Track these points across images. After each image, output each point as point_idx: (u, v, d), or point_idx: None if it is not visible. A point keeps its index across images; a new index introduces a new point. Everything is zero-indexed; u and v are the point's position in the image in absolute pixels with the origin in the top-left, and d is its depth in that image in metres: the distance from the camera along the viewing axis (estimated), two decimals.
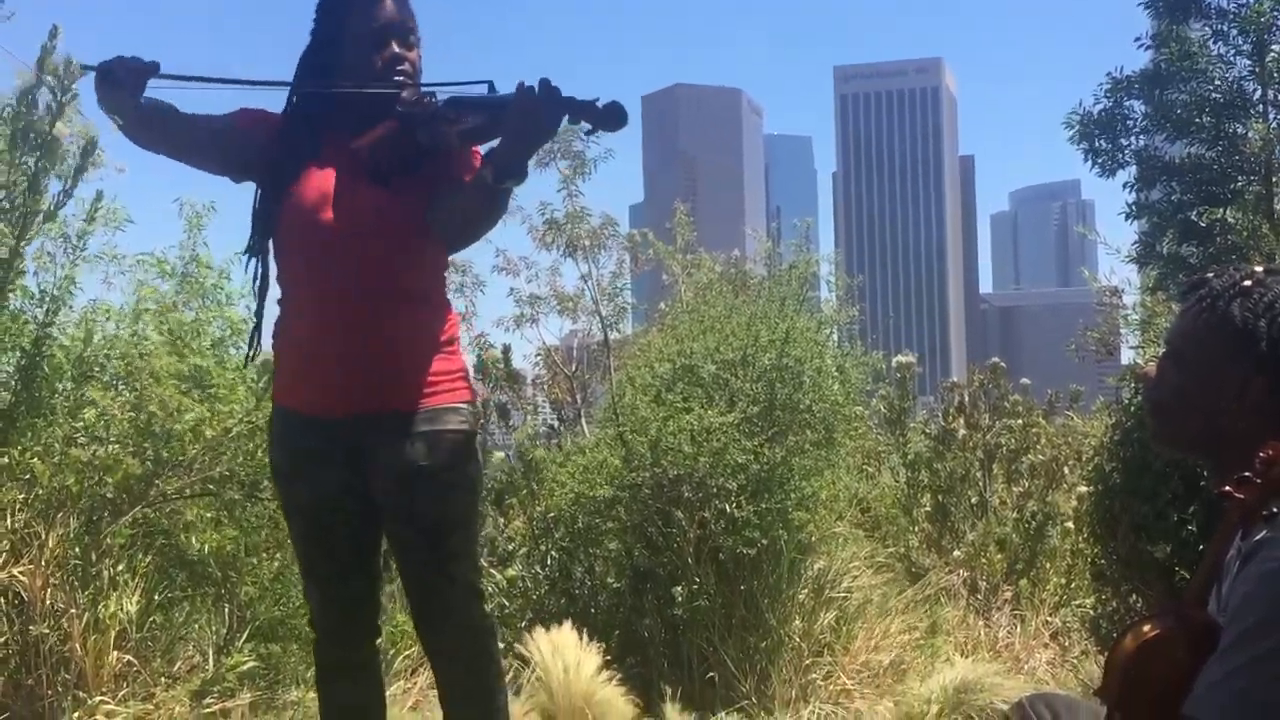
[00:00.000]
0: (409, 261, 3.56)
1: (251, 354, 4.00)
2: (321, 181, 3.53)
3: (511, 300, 9.55)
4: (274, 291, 3.68)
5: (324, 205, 3.49)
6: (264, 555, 6.59)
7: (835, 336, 9.29)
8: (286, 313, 3.64)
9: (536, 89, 3.27)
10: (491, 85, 3.48)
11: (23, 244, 5.53)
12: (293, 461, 3.65)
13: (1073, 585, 9.47)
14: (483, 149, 3.59)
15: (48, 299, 5.96)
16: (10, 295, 5.68)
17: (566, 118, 3.33)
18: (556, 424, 10.17)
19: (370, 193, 3.50)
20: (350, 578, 3.71)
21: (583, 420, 9.61)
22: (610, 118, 3.28)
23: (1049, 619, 9.20)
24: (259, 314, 3.78)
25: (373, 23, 3.58)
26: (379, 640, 3.87)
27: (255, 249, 3.65)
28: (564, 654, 6.03)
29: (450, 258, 3.82)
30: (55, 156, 5.57)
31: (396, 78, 3.57)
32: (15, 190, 5.52)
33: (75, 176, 5.73)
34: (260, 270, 3.67)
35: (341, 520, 3.62)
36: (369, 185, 3.51)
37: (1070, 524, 9.51)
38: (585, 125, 3.34)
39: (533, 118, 3.30)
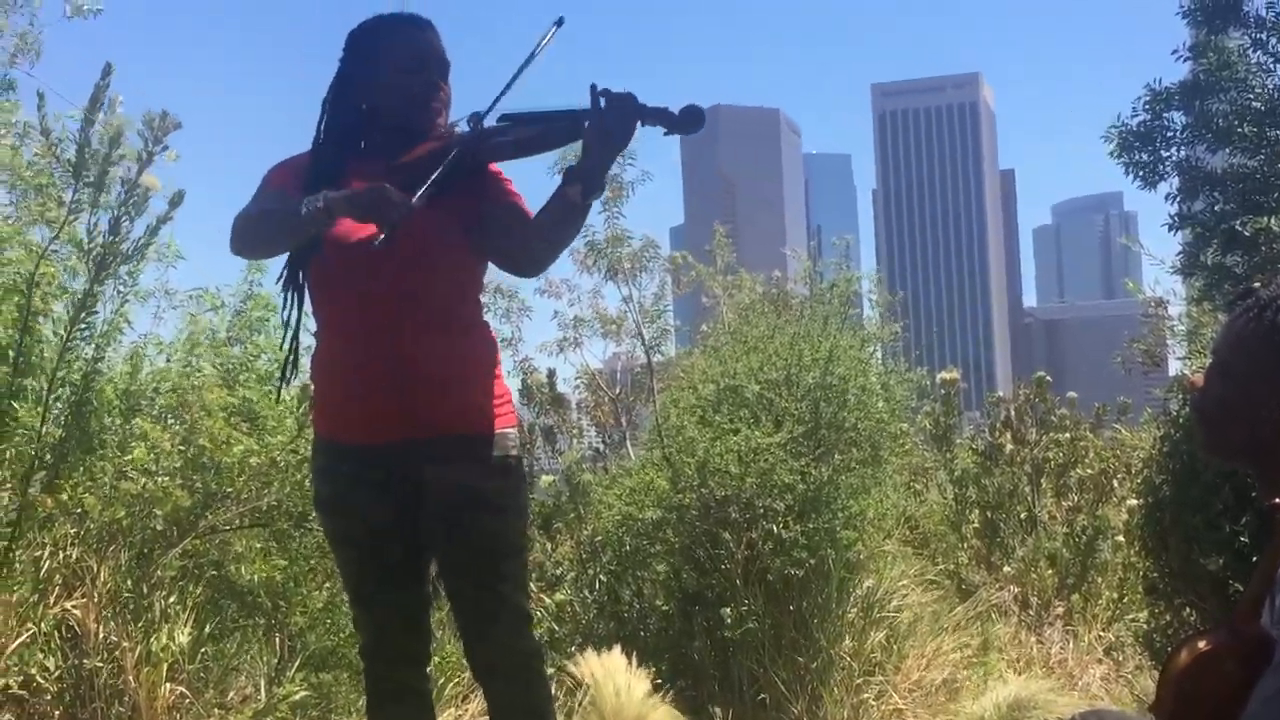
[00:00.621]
0: (452, 284, 3.56)
1: (285, 383, 4.01)
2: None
3: (555, 324, 9.57)
4: (308, 323, 3.68)
5: (361, 229, 3.47)
6: (313, 585, 6.61)
7: (879, 354, 9.28)
8: (328, 342, 3.63)
9: (606, 101, 3.28)
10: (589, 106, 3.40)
11: (98, 286, 5.59)
12: (339, 493, 3.64)
13: (1125, 600, 9.40)
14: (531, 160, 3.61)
15: (97, 335, 6.02)
16: (86, 333, 5.74)
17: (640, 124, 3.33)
18: (601, 447, 10.18)
19: (412, 215, 3.48)
20: (400, 605, 3.70)
21: (628, 443, 9.62)
22: (687, 122, 3.30)
23: (1102, 634, 9.14)
24: (294, 343, 3.77)
25: (410, 50, 3.60)
26: (429, 667, 3.88)
27: (289, 280, 3.65)
28: (615, 677, 6.02)
29: (495, 283, 3.82)
30: (141, 204, 5.64)
31: (433, 104, 3.59)
32: (95, 233, 5.59)
33: (159, 224, 5.79)
34: (294, 300, 3.66)
35: (390, 548, 3.61)
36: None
37: (1121, 538, 9.44)
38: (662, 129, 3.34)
39: (614, 130, 3.30)
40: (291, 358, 3.86)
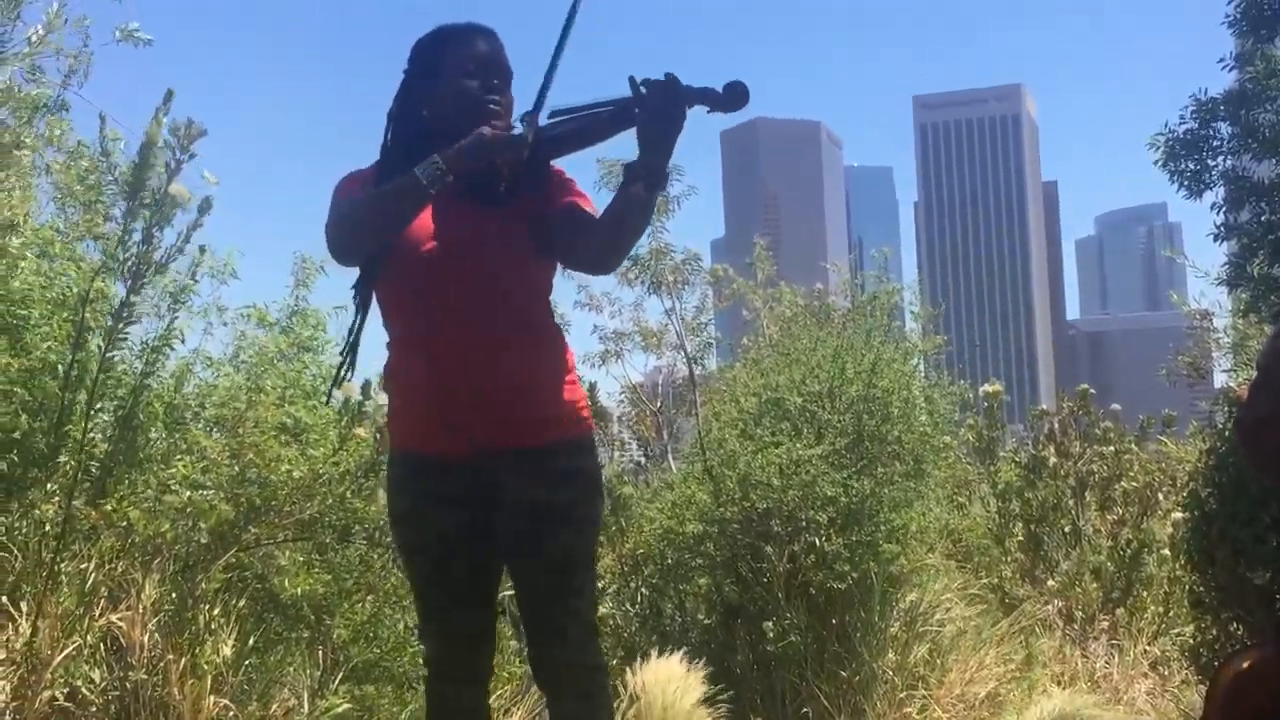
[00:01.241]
0: (526, 288, 3.55)
1: (338, 385, 3.99)
2: (433, 210, 3.50)
3: (595, 337, 9.58)
4: (375, 334, 3.68)
5: (437, 236, 3.48)
6: (356, 598, 6.63)
7: (921, 366, 9.26)
8: (403, 352, 3.60)
9: (647, 88, 3.27)
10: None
11: (134, 296, 5.62)
12: (416, 506, 3.61)
13: (1171, 613, 9.33)
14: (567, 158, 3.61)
15: (147, 350, 6.06)
16: (123, 345, 5.77)
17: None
18: (643, 460, 10.18)
19: (481, 218, 3.48)
20: (472, 618, 3.67)
21: (669, 456, 9.61)
22: (732, 99, 3.27)
23: (1148, 648, 9.07)
24: (353, 349, 3.75)
25: (469, 55, 3.60)
26: (490, 679, 3.86)
27: (362, 281, 3.62)
28: (666, 687, 6.02)
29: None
30: (168, 213, 5.68)
31: (491, 108, 3.56)
32: (130, 243, 5.63)
33: (189, 233, 5.83)
34: (360, 306, 3.65)
35: (465, 560, 3.59)
36: (480, 210, 3.49)
37: (1166, 551, 9.38)
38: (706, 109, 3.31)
39: (662, 117, 3.28)
40: (350, 359, 3.81)
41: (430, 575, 3.67)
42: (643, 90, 3.28)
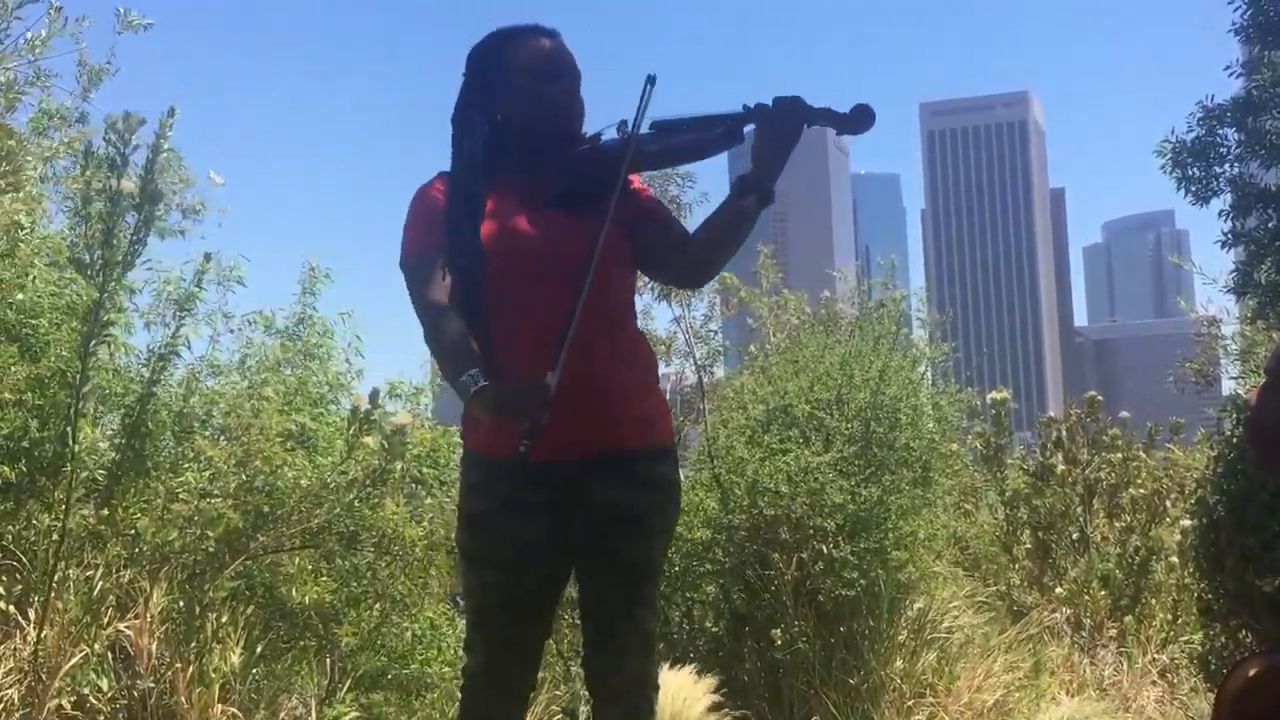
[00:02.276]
0: (617, 293, 3.51)
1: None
2: (517, 217, 3.47)
3: None
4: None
5: (527, 239, 3.43)
6: (364, 606, 6.63)
7: (929, 373, 9.25)
8: (489, 354, 3.39)
9: (774, 105, 3.27)
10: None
11: (106, 297, 5.60)
12: (496, 511, 3.49)
13: (1180, 621, 9.32)
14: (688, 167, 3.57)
15: (154, 357, 6.07)
16: (110, 350, 5.76)
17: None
18: None
19: (567, 222, 3.43)
20: (529, 629, 3.59)
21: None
22: (858, 120, 3.27)
23: (1156, 656, 9.06)
24: (486, 354, 3.42)
25: (545, 57, 3.55)
26: (532, 695, 3.80)
27: (466, 302, 3.46)
28: (674, 695, 6.01)
29: None
30: (122, 210, 5.66)
31: (573, 112, 3.54)
32: (94, 244, 5.62)
33: (147, 224, 5.78)
34: (480, 310, 3.46)
35: (538, 570, 3.51)
36: (564, 216, 3.44)
37: (1175, 559, 9.37)
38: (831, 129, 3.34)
39: (783, 136, 3.28)
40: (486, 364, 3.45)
41: (494, 585, 3.54)
42: (766, 105, 3.27)
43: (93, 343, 5.54)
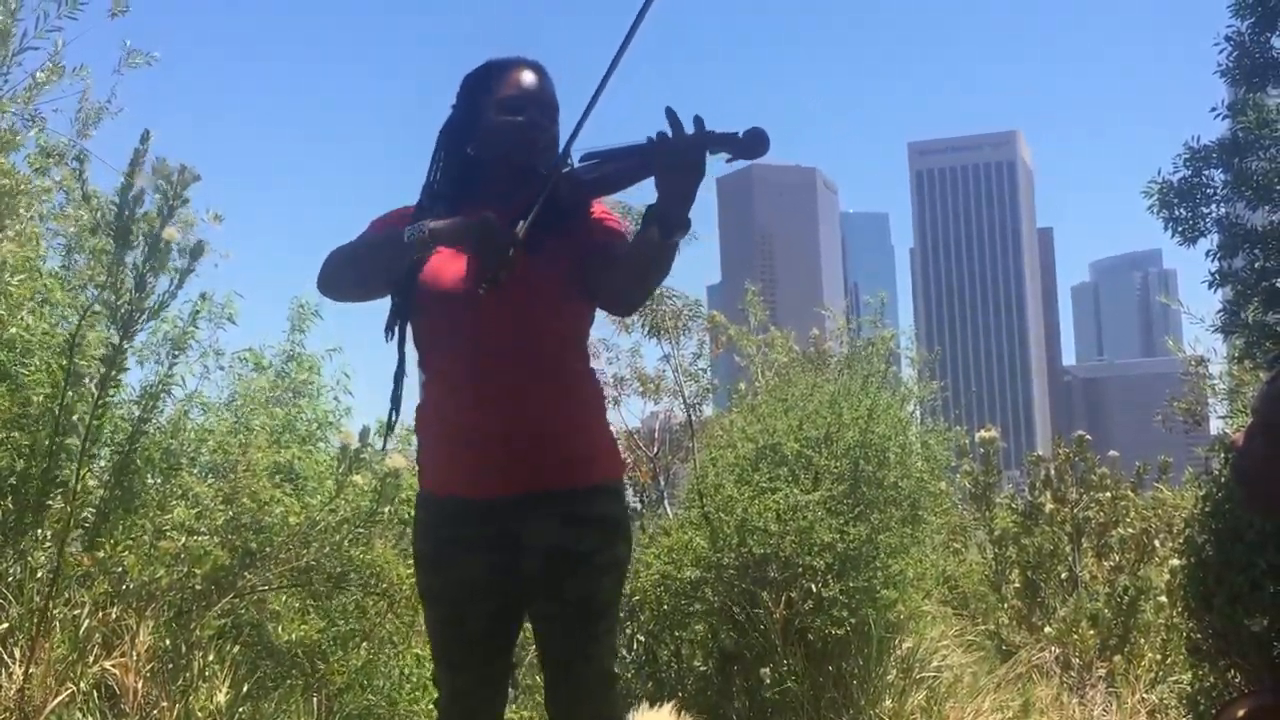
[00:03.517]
0: (562, 331, 3.52)
1: (389, 432, 3.91)
2: (466, 256, 3.45)
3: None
4: (411, 375, 3.63)
5: (470, 279, 3.41)
6: (352, 644, 6.61)
7: (918, 412, 9.26)
8: (435, 394, 3.56)
9: (672, 133, 3.20)
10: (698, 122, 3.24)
11: (127, 342, 5.63)
12: (441, 550, 3.57)
13: (1169, 660, 9.31)
14: (618, 197, 3.56)
15: (146, 396, 6.07)
16: (115, 392, 5.77)
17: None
18: (639, 506, 10.17)
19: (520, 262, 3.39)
20: (488, 664, 3.62)
21: (665, 502, 9.60)
22: (753, 145, 3.22)
23: (1145, 695, 9.04)
24: (396, 399, 3.63)
25: (514, 89, 3.57)
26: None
27: (389, 329, 3.57)
28: None
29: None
30: (164, 259, 5.68)
31: (539, 146, 3.53)
32: (122, 289, 5.63)
33: (182, 277, 5.83)
34: (399, 354, 3.58)
35: (485, 606, 3.55)
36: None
37: (1164, 598, 9.37)
38: (724, 155, 3.26)
39: (684, 163, 3.22)
40: (394, 409, 3.69)
41: (448, 618, 3.61)
42: (669, 134, 3.21)
43: (108, 386, 5.56)
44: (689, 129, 3.20)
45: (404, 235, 3.32)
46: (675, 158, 3.22)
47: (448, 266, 3.47)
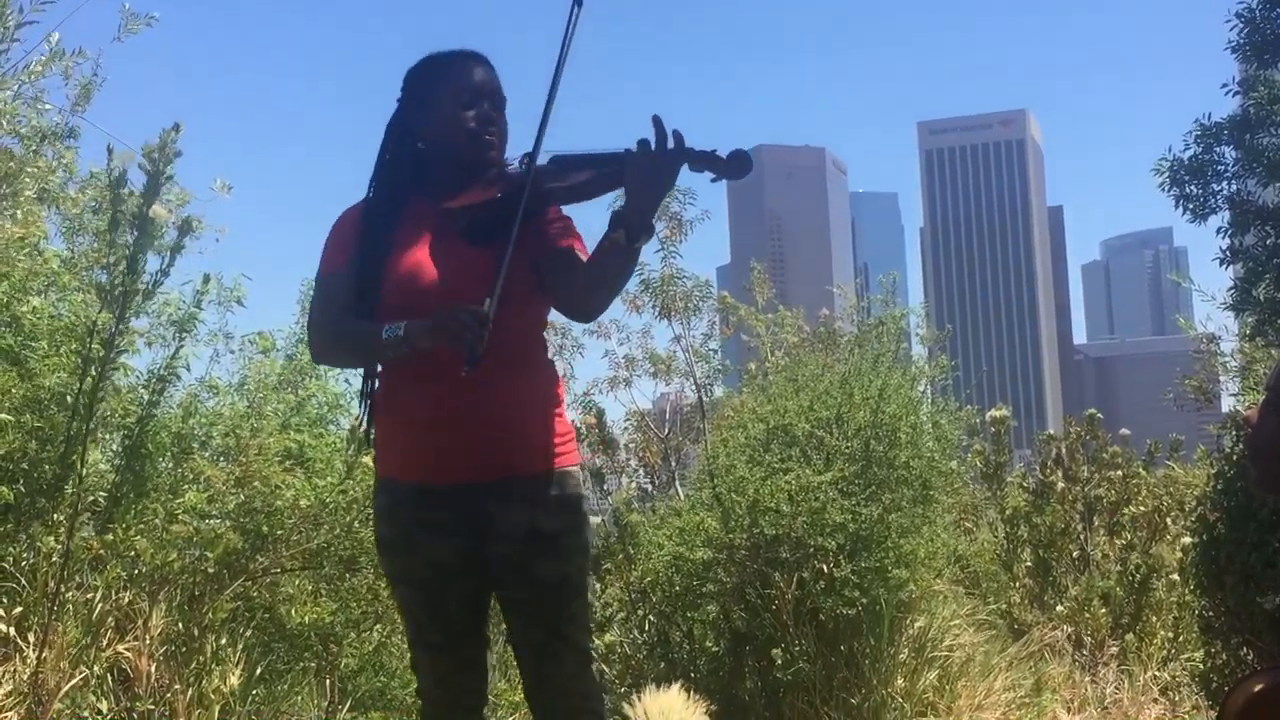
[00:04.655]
0: (519, 324, 3.54)
1: (364, 428, 3.96)
2: (420, 248, 3.53)
3: (605, 363, 9.57)
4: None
5: (425, 270, 3.49)
6: (364, 627, 6.63)
7: (928, 391, 9.24)
8: (392, 382, 3.61)
9: (654, 142, 3.26)
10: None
11: (124, 324, 5.62)
12: (403, 534, 3.61)
13: (1181, 639, 9.31)
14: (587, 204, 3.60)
15: (154, 379, 6.07)
16: (115, 374, 5.77)
17: (686, 167, 3.31)
18: (649, 487, 10.16)
19: (471, 253, 3.48)
20: (462, 645, 3.67)
21: (676, 483, 9.59)
22: (735, 166, 3.27)
23: (1158, 674, 9.04)
24: (369, 391, 3.73)
25: (463, 84, 3.60)
26: (486, 709, 3.86)
27: (364, 394, 3.67)
28: (668, 716, 5.99)
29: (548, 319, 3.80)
30: (151, 236, 5.67)
31: (487, 137, 3.58)
32: (115, 270, 5.63)
33: (173, 255, 5.83)
34: (366, 406, 3.68)
35: (454, 588, 3.60)
36: (469, 246, 3.49)
37: (1176, 576, 9.36)
38: (708, 175, 3.32)
39: (655, 175, 3.28)
40: (367, 399, 3.77)
41: (418, 604, 3.68)
42: (650, 144, 3.27)
43: (107, 368, 5.56)
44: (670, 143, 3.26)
45: (382, 334, 3.37)
46: (655, 173, 3.28)
47: (411, 259, 3.53)
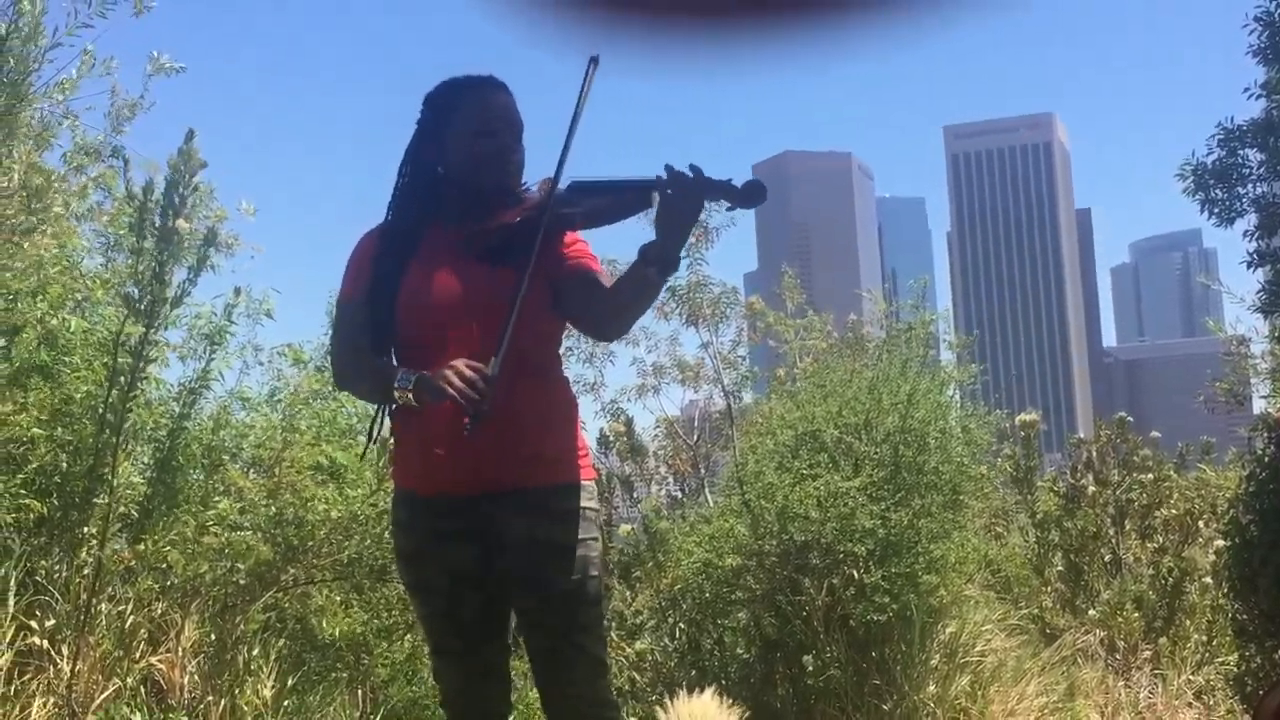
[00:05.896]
0: (533, 336, 3.56)
1: (373, 441, 4.00)
2: (438, 267, 3.58)
3: (634, 370, 9.57)
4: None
5: (443, 288, 3.54)
6: (395, 637, 6.64)
7: (957, 396, 9.22)
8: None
9: (670, 179, 3.34)
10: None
11: (153, 333, 5.66)
12: (421, 544, 3.67)
13: (1214, 642, 9.27)
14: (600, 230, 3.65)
15: (185, 392, 6.10)
16: (144, 386, 5.80)
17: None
18: (679, 494, 10.16)
19: (488, 272, 3.53)
20: (481, 654, 3.71)
21: (705, 490, 9.59)
22: (750, 196, 3.37)
23: (1191, 678, 9.00)
24: (381, 409, 3.77)
25: (483, 112, 3.64)
26: (511, 718, 3.87)
27: (376, 346, 3.69)
28: None
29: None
30: (179, 248, 5.71)
31: (507, 167, 3.63)
32: (143, 281, 5.67)
33: (199, 265, 5.87)
34: (393, 357, 3.70)
35: (472, 597, 3.64)
36: (486, 270, 3.54)
37: (1209, 579, 9.32)
38: (725, 203, 3.43)
39: (682, 210, 3.37)
40: (377, 417, 3.82)
41: (437, 614, 3.73)
42: (666, 177, 3.36)
43: (137, 379, 5.59)
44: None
45: (394, 384, 3.44)
46: (685, 207, 3.38)
47: (427, 284, 3.59)
